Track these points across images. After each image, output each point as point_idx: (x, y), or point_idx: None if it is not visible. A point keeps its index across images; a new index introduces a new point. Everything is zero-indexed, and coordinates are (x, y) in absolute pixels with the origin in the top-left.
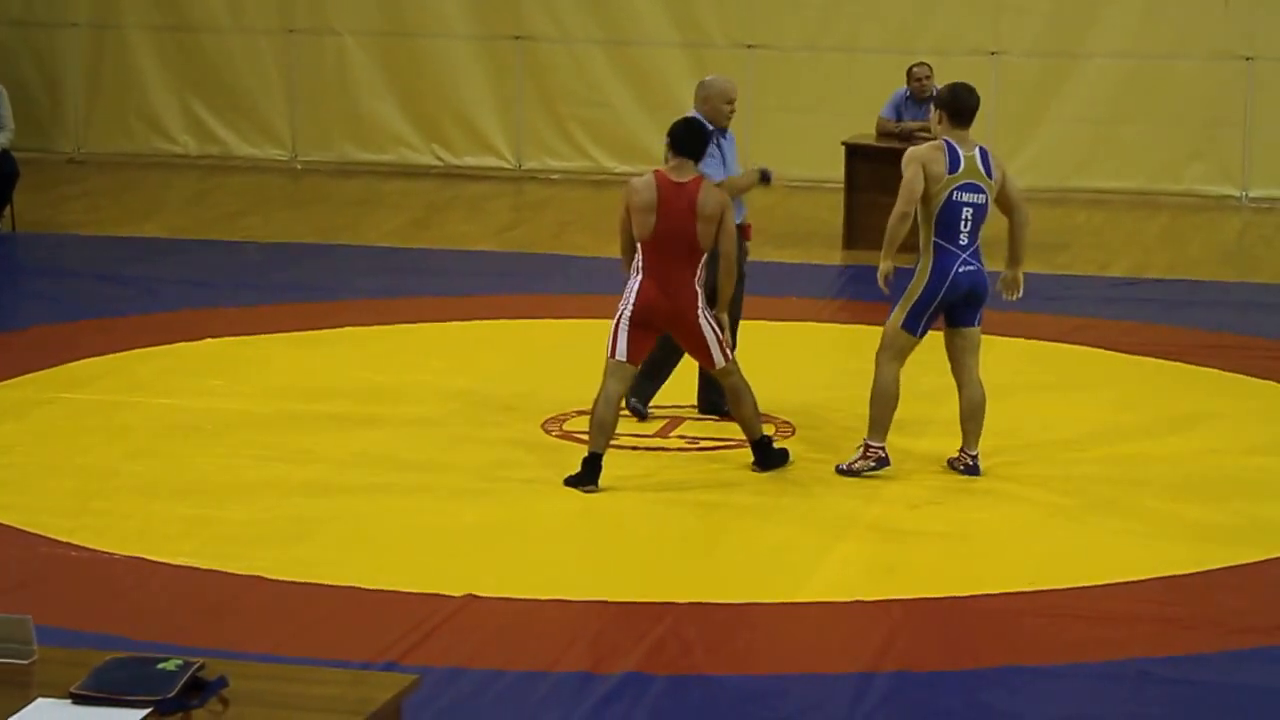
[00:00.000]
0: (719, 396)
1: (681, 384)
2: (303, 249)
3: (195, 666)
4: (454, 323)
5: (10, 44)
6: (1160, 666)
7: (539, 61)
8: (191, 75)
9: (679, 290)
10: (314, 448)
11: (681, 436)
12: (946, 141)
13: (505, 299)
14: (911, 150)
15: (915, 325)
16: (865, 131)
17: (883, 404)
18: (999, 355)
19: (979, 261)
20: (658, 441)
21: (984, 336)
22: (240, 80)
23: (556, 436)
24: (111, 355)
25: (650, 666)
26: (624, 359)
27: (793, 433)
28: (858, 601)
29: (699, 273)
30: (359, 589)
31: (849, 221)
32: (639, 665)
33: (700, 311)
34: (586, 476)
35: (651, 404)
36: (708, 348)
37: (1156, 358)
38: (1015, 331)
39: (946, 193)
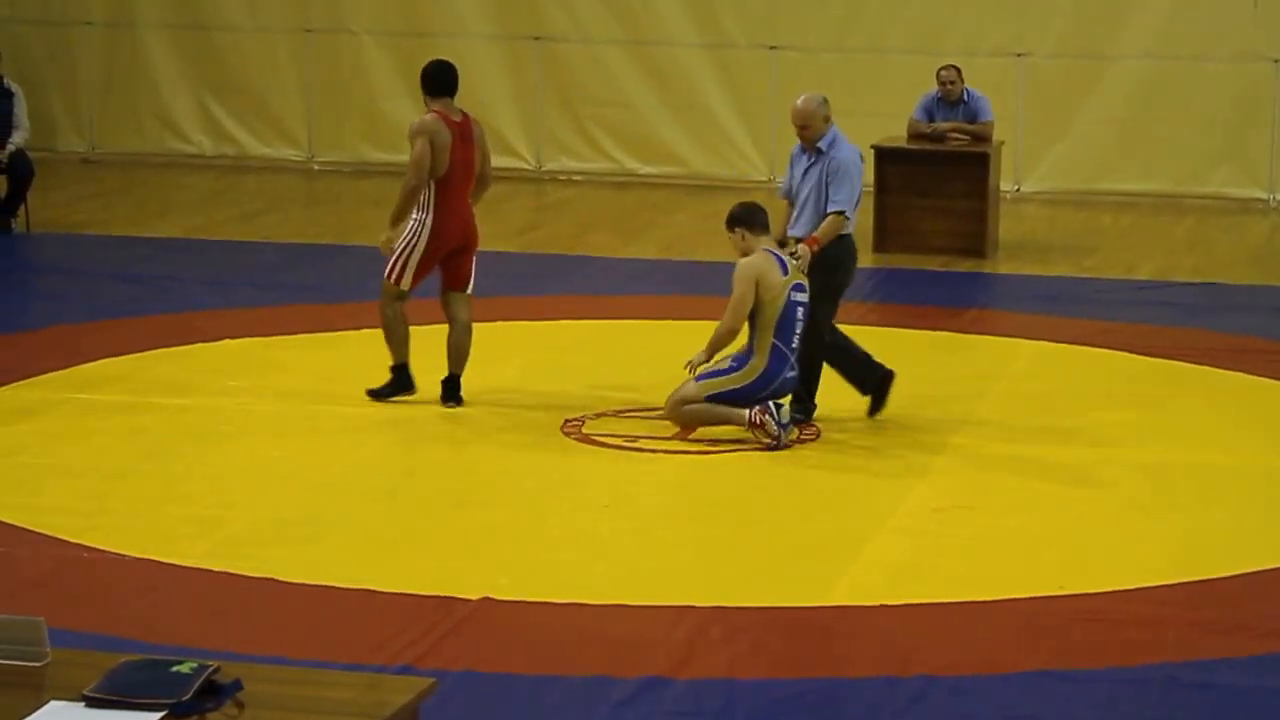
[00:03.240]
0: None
1: None
2: (319, 250)
3: (210, 669)
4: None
5: (25, 43)
6: (1188, 671)
7: (559, 62)
8: (207, 75)
9: (469, 216)
10: (329, 449)
11: (701, 439)
12: (769, 250)
13: (524, 300)
14: (745, 263)
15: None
16: (892, 133)
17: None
18: (1025, 359)
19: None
20: (678, 444)
21: (1008, 339)
22: (256, 80)
23: (576, 439)
24: (126, 356)
25: (669, 670)
26: (408, 288)
27: (818, 435)
28: (883, 605)
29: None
30: (374, 591)
31: (879, 224)
32: (658, 669)
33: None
34: (398, 386)
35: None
36: (471, 271)
37: (1183, 361)
38: (1041, 335)
39: (785, 295)
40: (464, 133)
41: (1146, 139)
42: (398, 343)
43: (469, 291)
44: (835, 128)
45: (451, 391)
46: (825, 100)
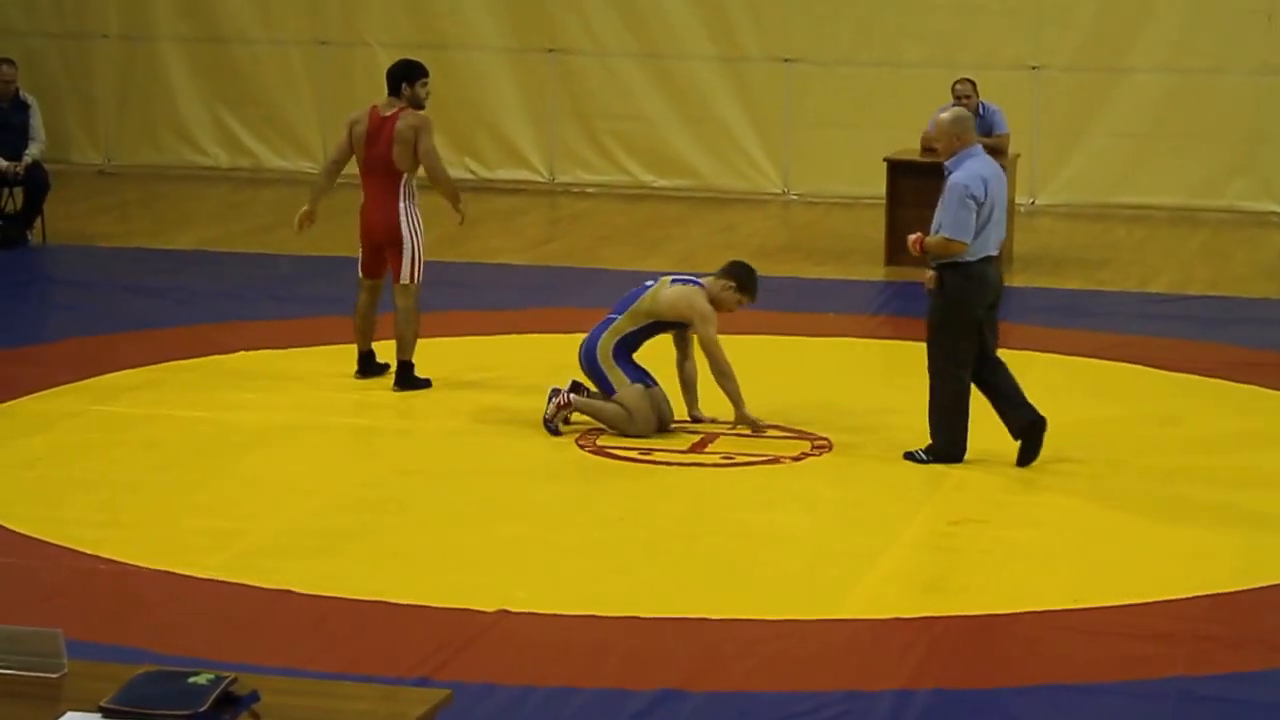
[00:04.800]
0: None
1: (707, 400)
2: (334, 262)
3: (227, 681)
4: (487, 337)
5: (42, 55)
6: (1202, 685)
7: (573, 74)
8: (222, 87)
9: (384, 211)
10: (345, 461)
11: (716, 452)
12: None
13: (538, 312)
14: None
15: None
16: (906, 146)
17: None
18: (1039, 372)
19: None
20: (692, 457)
21: (1023, 352)
22: (271, 92)
23: (590, 451)
24: (142, 368)
25: (685, 683)
26: (361, 274)
27: (829, 448)
28: (897, 618)
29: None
30: (390, 603)
31: (891, 237)
32: (673, 681)
33: (404, 225)
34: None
35: (685, 418)
36: (401, 259)
37: (1197, 375)
38: (1055, 347)
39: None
40: (379, 129)
41: (1161, 152)
42: (357, 334)
43: (403, 283)
44: (972, 151)
45: (400, 378)
46: (961, 119)
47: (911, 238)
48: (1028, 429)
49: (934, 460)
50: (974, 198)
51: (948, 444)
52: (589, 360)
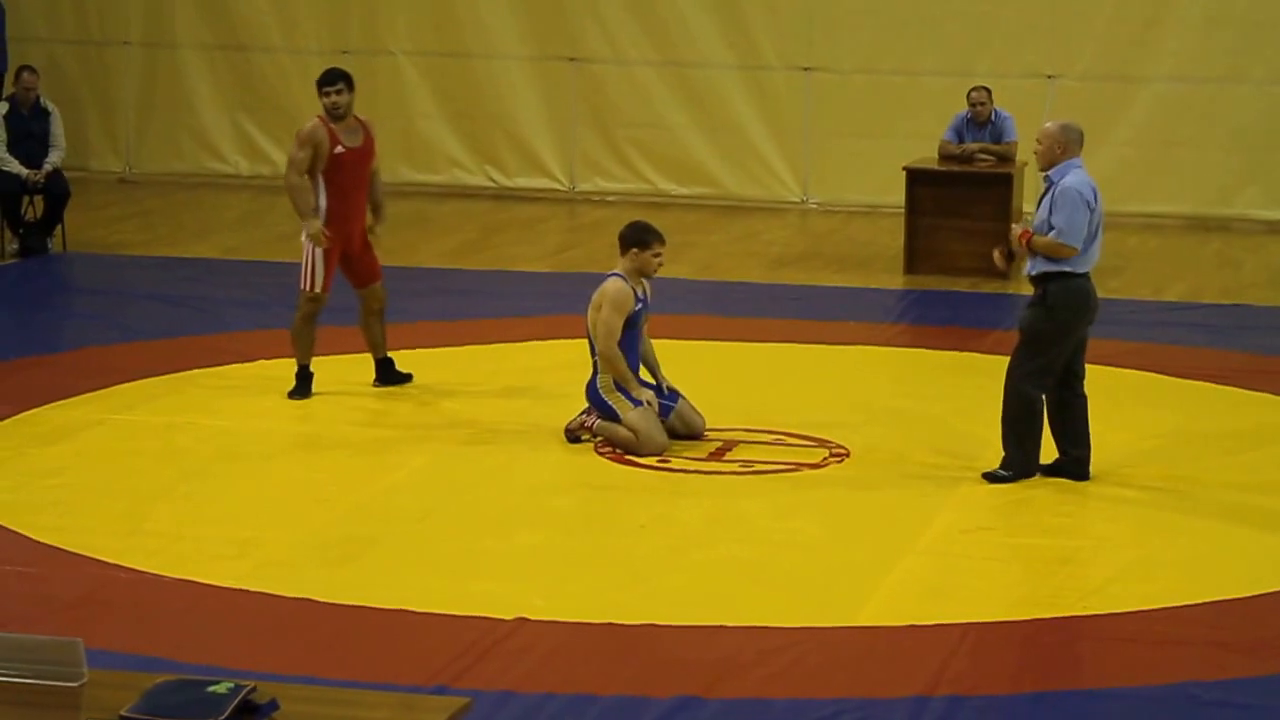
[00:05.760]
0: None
1: (726, 408)
2: None
3: (247, 689)
4: (507, 344)
5: (63, 63)
6: (1210, 690)
7: (593, 83)
8: (244, 95)
9: None
10: (365, 469)
11: (735, 460)
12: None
13: (558, 320)
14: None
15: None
16: (924, 155)
17: None
18: None
19: None
20: (711, 465)
21: None
22: (293, 101)
23: (610, 459)
24: (163, 376)
25: (703, 690)
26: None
27: (847, 456)
28: (912, 626)
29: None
30: (409, 612)
31: (910, 246)
32: (691, 689)
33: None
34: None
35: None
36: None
37: (1209, 382)
38: None
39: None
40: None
41: (1174, 161)
42: (366, 342)
43: (301, 288)
44: (1075, 162)
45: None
46: (1069, 129)
47: (1017, 230)
48: (1064, 468)
49: (1015, 476)
50: (1088, 203)
51: (1022, 459)
52: (596, 400)
